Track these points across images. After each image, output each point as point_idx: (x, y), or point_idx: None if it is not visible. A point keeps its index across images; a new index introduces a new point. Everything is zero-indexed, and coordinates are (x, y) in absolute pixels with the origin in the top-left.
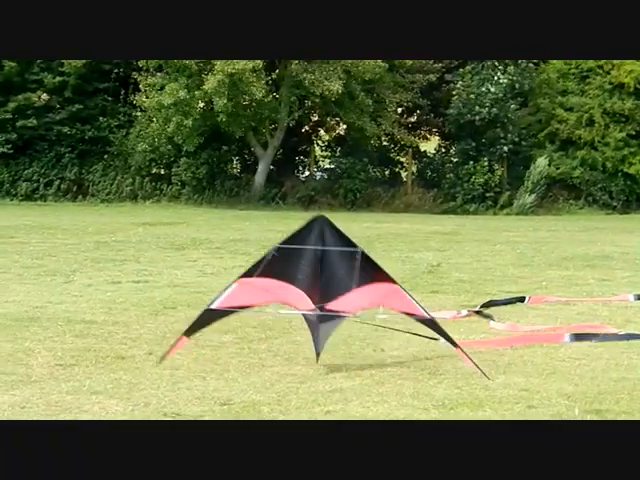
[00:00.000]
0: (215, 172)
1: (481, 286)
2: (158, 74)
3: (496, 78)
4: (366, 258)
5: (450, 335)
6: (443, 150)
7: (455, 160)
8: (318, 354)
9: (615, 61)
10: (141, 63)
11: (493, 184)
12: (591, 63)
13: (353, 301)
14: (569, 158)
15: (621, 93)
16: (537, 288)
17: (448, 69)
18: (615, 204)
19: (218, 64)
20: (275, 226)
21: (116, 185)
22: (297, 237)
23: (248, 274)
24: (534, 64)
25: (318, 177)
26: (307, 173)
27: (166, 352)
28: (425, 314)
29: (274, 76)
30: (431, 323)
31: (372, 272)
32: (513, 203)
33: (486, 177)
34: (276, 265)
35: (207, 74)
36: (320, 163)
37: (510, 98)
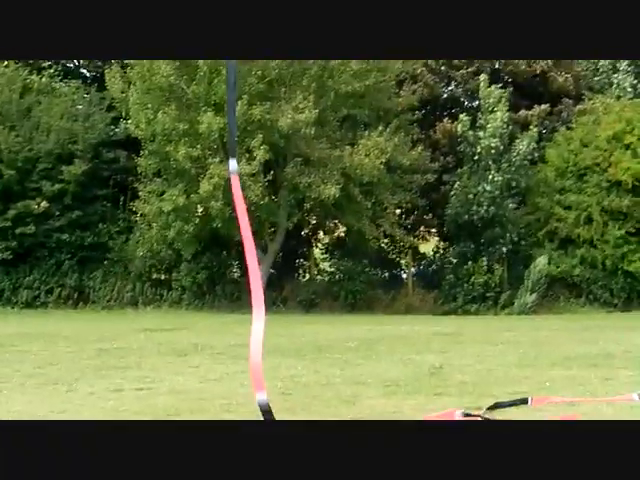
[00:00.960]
0: (215, 277)
1: (484, 387)
2: (157, 179)
3: (490, 177)
4: None
5: None
6: (442, 251)
7: (454, 261)
8: None
9: (612, 159)
10: (140, 169)
11: (493, 284)
12: (588, 161)
13: None
14: (569, 256)
15: (619, 190)
16: (541, 389)
17: (445, 169)
18: (616, 302)
19: (212, 168)
20: (276, 330)
21: (117, 291)
22: None
23: None
24: (529, 162)
25: (318, 280)
26: (307, 276)
27: None
28: None
29: (269, 177)
30: None
31: None
32: (514, 303)
33: (486, 277)
34: None
35: (203, 178)
36: (320, 266)
37: (507, 197)
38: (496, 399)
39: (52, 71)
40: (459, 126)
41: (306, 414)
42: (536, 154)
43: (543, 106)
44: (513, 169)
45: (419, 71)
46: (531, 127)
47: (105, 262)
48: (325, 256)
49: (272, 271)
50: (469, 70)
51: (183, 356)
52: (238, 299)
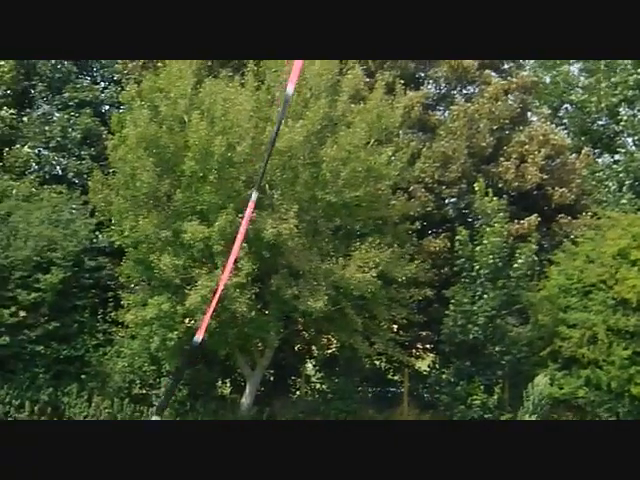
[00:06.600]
0: (198, 393)
1: None
2: (137, 287)
3: (486, 296)
4: None
5: None
6: (437, 368)
7: (451, 380)
8: None
9: (618, 275)
10: (122, 278)
11: (492, 405)
12: (593, 278)
13: None
14: (573, 377)
15: (625, 309)
16: None
17: (446, 282)
18: None
19: (200, 281)
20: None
21: (93, 407)
22: None
23: None
24: (529, 277)
25: (309, 398)
26: (298, 393)
27: None
28: None
29: (256, 289)
30: None
31: None
32: None
33: (484, 397)
34: None
35: (190, 289)
36: (312, 383)
37: (507, 314)
38: None
39: (32, 177)
40: (456, 241)
41: None
42: (536, 268)
43: (533, 217)
44: (513, 285)
45: (412, 188)
46: (530, 239)
47: (83, 376)
48: (319, 374)
49: (261, 388)
50: (462, 186)
51: None
52: (222, 418)
